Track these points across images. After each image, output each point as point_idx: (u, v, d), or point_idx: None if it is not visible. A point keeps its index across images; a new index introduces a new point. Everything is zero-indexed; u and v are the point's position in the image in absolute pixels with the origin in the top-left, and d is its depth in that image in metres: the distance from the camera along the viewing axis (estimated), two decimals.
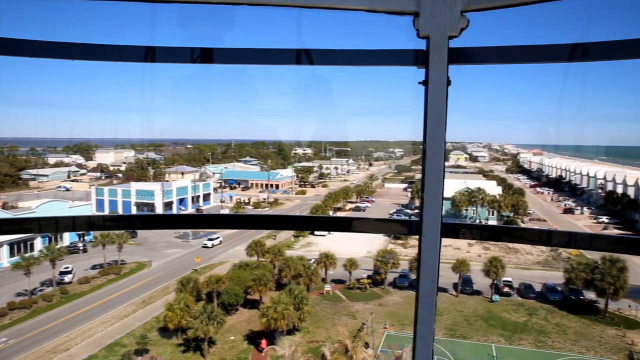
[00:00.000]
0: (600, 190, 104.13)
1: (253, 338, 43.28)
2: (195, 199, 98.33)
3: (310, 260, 55.48)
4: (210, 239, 71.57)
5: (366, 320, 45.50)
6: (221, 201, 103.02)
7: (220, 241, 71.81)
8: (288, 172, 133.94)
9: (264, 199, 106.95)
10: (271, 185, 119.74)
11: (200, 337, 39.95)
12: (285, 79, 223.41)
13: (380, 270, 55.47)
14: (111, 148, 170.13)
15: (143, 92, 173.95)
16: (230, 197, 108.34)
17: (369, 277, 55.98)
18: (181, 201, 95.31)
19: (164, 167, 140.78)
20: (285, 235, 75.63)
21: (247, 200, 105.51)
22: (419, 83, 2.08)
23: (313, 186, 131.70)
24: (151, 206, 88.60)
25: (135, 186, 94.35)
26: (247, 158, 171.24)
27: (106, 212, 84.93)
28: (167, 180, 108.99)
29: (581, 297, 50.79)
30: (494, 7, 1.99)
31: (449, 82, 2.10)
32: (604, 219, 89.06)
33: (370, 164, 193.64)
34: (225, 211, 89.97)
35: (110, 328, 45.18)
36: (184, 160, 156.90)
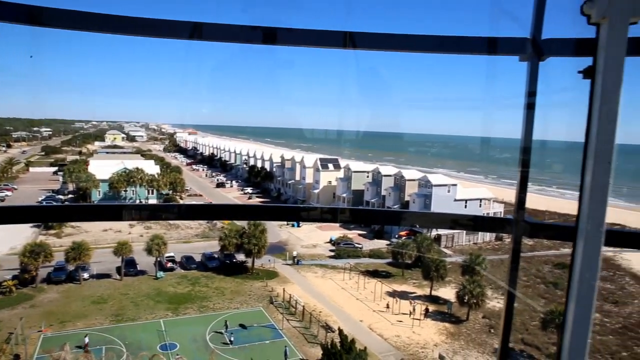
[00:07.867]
0: (245, 165, 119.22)
1: None
2: None
3: None
4: None
5: (14, 328, 39.37)
6: None
7: None
8: None
9: None
10: None
11: None
12: None
13: (30, 267, 48.56)
14: None
15: None
16: None
17: (14, 277, 48.33)
18: None
19: None
20: None
21: None
22: None
23: None
24: None
25: None
26: None
27: None
28: None
29: (234, 260, 57.93)
30: None
31: None
32: (249, 189, 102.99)
33: (9, 146, 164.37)
34: None
35: None
36: None
